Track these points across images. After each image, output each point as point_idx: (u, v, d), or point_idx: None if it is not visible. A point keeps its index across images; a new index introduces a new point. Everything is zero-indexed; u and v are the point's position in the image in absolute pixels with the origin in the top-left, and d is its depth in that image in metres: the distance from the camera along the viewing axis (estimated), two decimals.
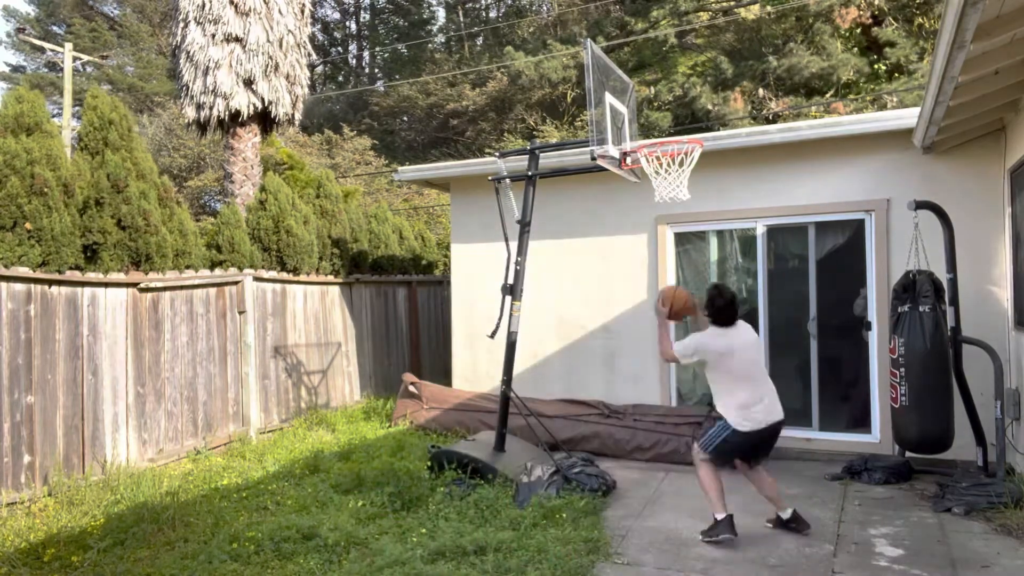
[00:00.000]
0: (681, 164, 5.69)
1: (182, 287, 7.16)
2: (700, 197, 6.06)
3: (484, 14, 32.57)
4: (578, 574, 4.02)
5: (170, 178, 10.56)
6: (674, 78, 19.60)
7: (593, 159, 5.56)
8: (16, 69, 33.24)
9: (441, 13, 34.40)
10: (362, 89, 30.81)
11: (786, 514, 4.71)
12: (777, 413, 4.59)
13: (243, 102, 11.23)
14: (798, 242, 6.94)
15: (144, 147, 7.52)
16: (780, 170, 6.89)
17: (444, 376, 9.69)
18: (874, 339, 6.52)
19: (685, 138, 5.79)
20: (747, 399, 4.50)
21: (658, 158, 5.74)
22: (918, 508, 5.11)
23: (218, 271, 7.74)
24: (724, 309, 4.65)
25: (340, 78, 35.51)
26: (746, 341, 4.66)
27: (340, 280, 9.50)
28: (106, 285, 6.41)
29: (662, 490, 5.71)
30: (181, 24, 11.29)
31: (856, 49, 18.08)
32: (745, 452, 4.65)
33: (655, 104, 19.57)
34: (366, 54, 36.44)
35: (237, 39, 11.20)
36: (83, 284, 6.21)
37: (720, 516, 4.55)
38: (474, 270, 8.40)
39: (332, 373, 9.28)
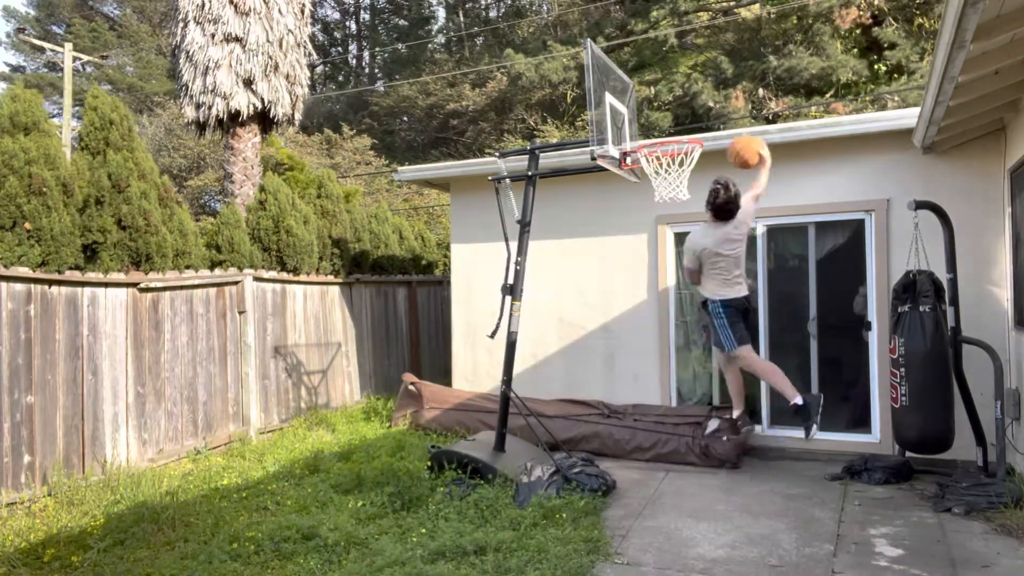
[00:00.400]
0: (681, 164, 5.69)
1: (182, 287, 7.16)
2: (700, 197, 6.05)
3: (484, 14, 32.56)
4: (578, 574, 4.02)
5: (170, 178, 10.55)
6: (674, 78, 19.57)
7: (593, 159, 5.56)
8: (16, 69, 33.26)
9: (441, 13, 34.43)
10: (362, 89, 30.82)
11: (736, 412, 6.29)
12: (743, 291, 6.00)
13: (243, 102, 11.23)
14: (798, 242, 6.93)
15: (144, 147, 7.52)
16: (780, 170, 6.87)
17: (444, 376, 9.69)
18: (874, 339, 6.52)
19: (685, 138, 5.79)
20: (721, 282, 5.95)
21: (658, 158, 5.74)
22: (918, 508, 5.11)
23: (218, 271, 7.74)
24: (718, 201, 5.78)
25: (340, 78, 35.52)
26: (730, 238, 5.84)
27: (340, 280, 9.50)
28: (106, 285, 6.41)
29: (662, 490, 5.71)
30: (181, 24, 11.28)
31: (856, 50, 18.06)
32: (741, 318, 5.95)
33: (655, 104, 19.56)
34: (366, 54, 36.45)
35: (237, 39, 11.20)
36: (83, 284, 6.21)
37: (736, 413, 6.26)
38: (474, 270, 8.39)
39: (332, 373, 9.28)
